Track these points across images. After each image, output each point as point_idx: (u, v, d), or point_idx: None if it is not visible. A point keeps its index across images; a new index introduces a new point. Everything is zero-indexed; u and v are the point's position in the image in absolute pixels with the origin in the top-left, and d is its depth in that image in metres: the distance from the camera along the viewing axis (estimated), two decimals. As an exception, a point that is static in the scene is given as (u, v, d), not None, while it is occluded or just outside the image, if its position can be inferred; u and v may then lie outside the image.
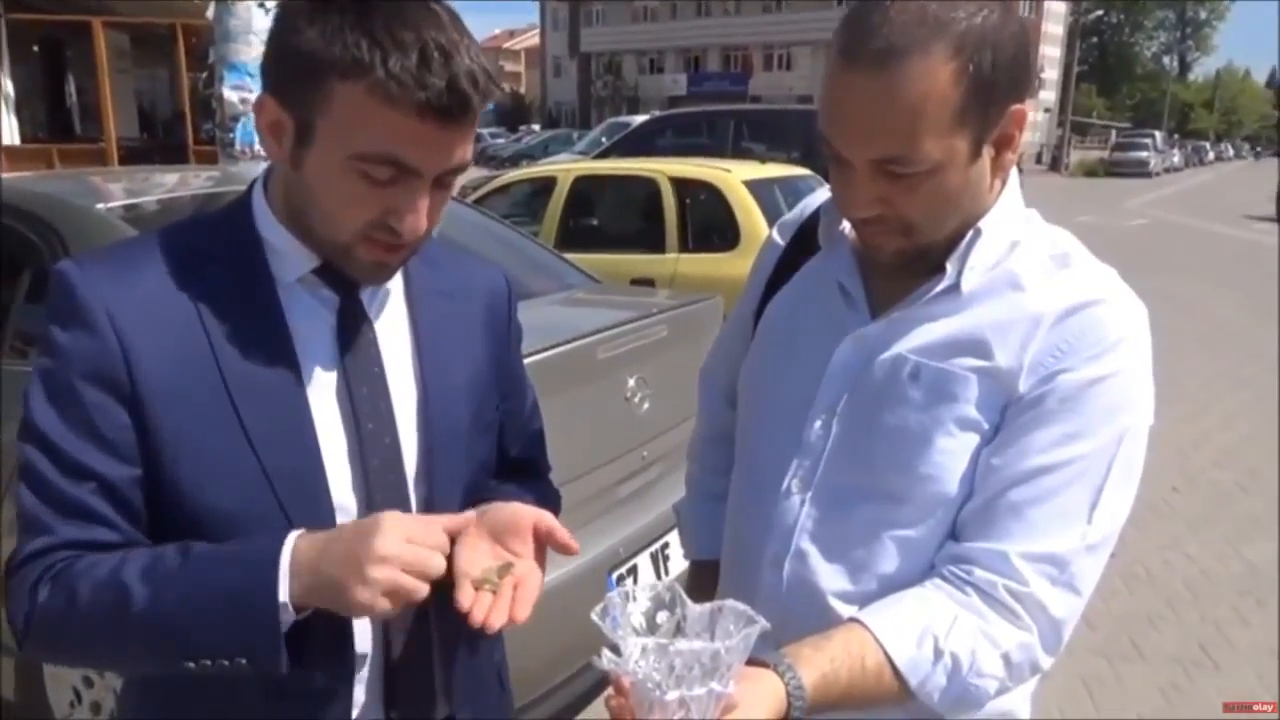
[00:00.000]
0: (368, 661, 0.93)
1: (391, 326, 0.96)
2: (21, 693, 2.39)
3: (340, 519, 0.89)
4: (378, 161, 0.80)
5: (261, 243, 0.90)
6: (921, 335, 0.95)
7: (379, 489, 0.91)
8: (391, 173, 0.81)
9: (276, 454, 0.86)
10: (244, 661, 0.79)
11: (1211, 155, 58.72)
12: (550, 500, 1.16)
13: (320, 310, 0.91)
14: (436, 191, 0.86)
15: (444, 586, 0.83)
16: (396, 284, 0.98)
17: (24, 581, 0.83)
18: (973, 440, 0.93)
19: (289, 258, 0.90)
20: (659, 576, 2.46)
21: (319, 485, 0.88)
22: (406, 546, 0.77)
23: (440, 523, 0.83)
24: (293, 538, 0.80)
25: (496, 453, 1.08)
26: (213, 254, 0.89)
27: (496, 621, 0.82)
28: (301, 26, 0.80)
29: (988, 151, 0.90)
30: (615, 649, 0.71)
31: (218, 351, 0.85)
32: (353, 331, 0.92)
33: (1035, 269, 0.95)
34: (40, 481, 0.83)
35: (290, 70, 0.82)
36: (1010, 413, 0.92)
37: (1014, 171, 0.98)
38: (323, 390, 0.90)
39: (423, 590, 0.78)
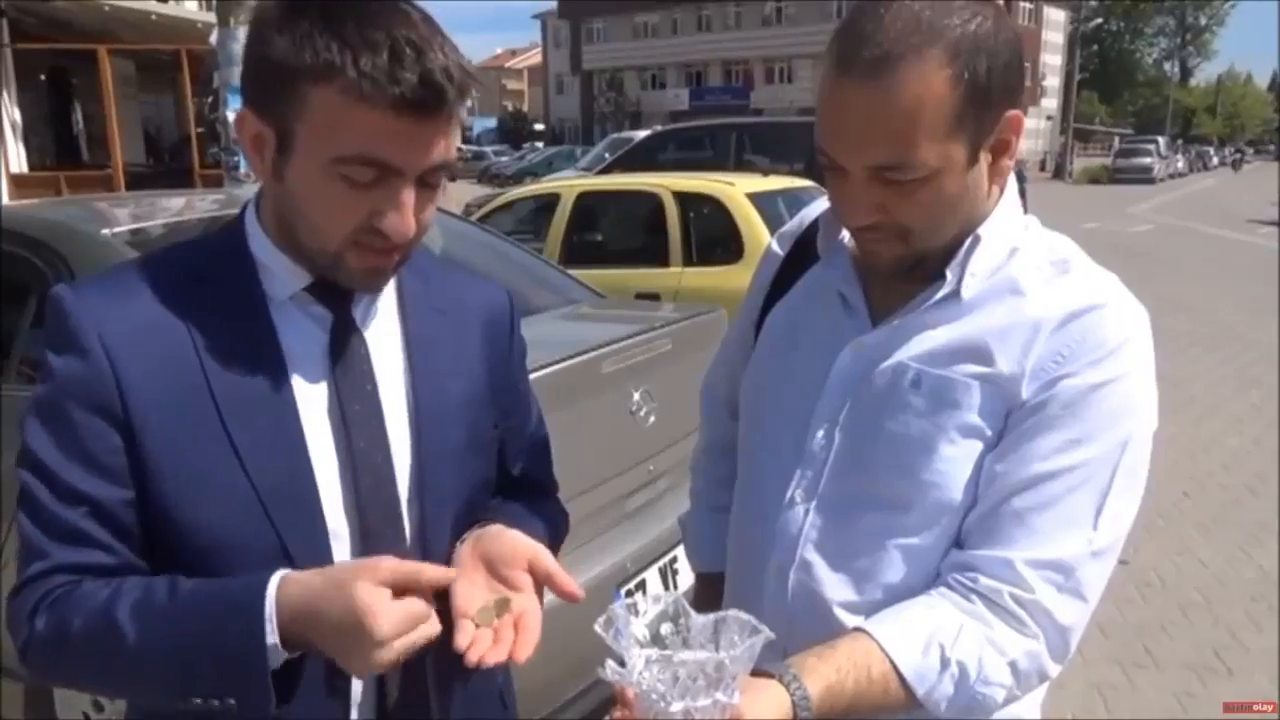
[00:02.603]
0: (361, 683, 0.93)
1: (384, 343, 0.96)
2: (31, 716, 2.39)
3: (333, 541, 0.89)
4: (358, 163, 0.80)
5: (254, 262, 0.91)
6: (922, 343, 0.95)
7: (371, 508, 0.90)
8: (373, 174, 0.81)
9: (267, 473, 0.85)
10: (233, 702, 0.79)
11: (1215, 160, 58.37)
12: (557, 519, 1.15)
13: (313, 328, 0.92)
14: (422, 192, 0.85)
15: (440, 611, 0.83)
16: (389, 300, 0.98)
17: (23, 606, 0.84)
18: (976, 447, 0.92)
19: (280, 276, 0.91)
20: (668, 591, 2.45)
21: (312, 504, 0.88)
22: (398, 622, 0.76)
23: (422, 578, 0.81)
24: (274, 584, 0.79)
25: (499, 471, 1.07)
26: (205, 275, 0.90)
27: (493, 660, 0.83)
28: (272, 36, 0.81)
29: (984, 157, 0.91)
30: (620, 660, 0.71)
31: (209, 371, 0.86)
32: (345, 348, 0.92)
33: (1035, 275, 0.95)
34: (36, 506, 0.84)
35: (265, 80, 0.82)
36: (1013, 419, 0.92)
37: (1011, 178, 0.98)
38: (315, 408, 0.90)
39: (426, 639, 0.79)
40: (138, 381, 0.84)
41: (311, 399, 0.90)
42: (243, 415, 0.85)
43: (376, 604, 0.75)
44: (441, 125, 0.82)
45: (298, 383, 0.89)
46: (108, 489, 0.84)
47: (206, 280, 0.89)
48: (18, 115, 10.45)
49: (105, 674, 0.84)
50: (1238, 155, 57.45)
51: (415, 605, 0.77)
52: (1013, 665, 0.88)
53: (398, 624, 0.76)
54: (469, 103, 0.87)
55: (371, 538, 0.90)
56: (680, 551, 2.45)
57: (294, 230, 0.88)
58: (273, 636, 0.77)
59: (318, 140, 0.81)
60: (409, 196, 0.83)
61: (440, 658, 0.95)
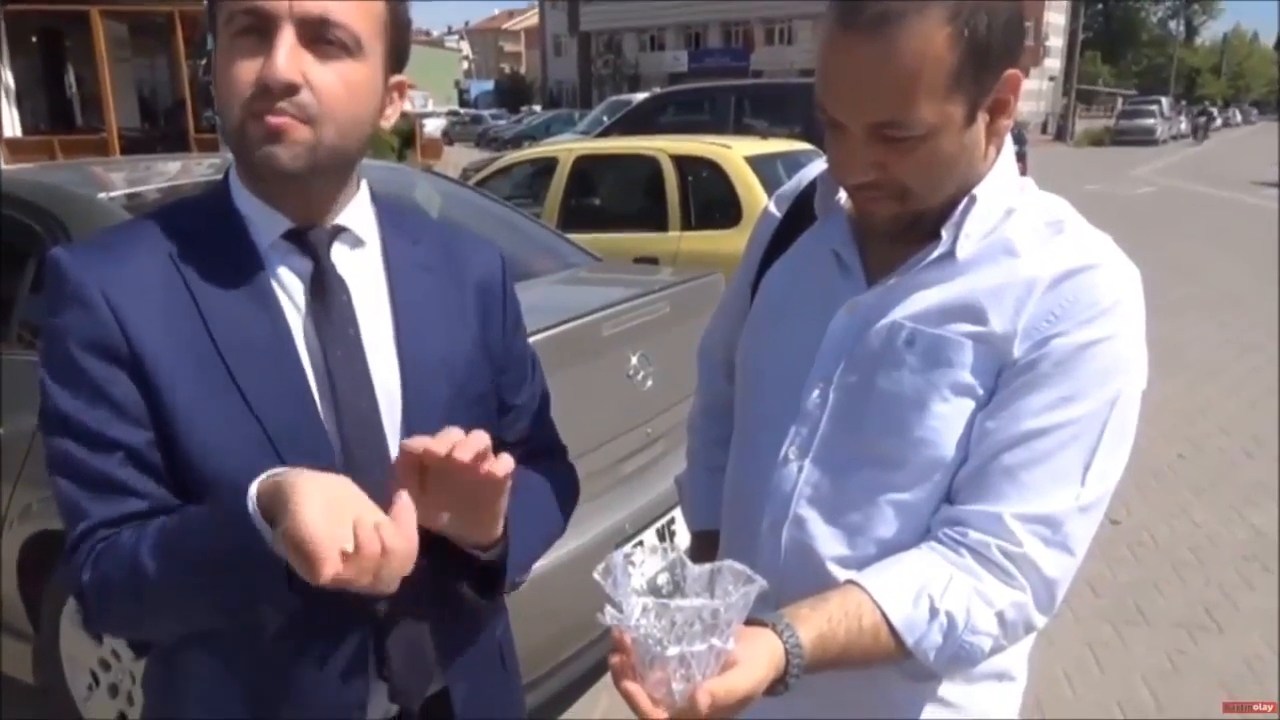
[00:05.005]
0: (365, 630, 0.95)
1: (371, 301, 0.97)
2: (41, 676, 2.44)
3: None
4: (237, 13, 0.84)
5: (240, 217, 0.93)
6: (917, 302, 0.96)
7: (358, 450, 0.92)
8: (247, 21, 0.84)
9: (276, 417, 0.88)
10: (262, 607, 0.81)
11: (1219, 121, 57.46)
12: (567, 481, 1.17)
13: (293, 277, 0.94)
14: (315, 47, 0.85)
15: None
16: (374, 257, 1.00)
17: (75, 569, 0.87)
18: (968, 405, 0.94)
19: (261, 225, 0.93)
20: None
21: (320, 444, 0.90)
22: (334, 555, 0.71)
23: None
24: (253, 494, 0.77)
25: (497, 429, 1.08)
26: (195, 231, 0.92)
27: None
28: None
29: (982, 117, 0.91)
30: (618, 607, 0.73)
31: (209, 321, 0.88)
32: (326, 295, 0.94)
33: (1030, 235, 0.96)
34: (70, 463, 0.86)
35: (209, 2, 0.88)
36: (1005, 377, 0.93)
37: (1008, 139, 0.98)
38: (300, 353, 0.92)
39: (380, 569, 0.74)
40: (142, 332, 0.86)
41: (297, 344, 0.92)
42: (245, 362, 0.88)
43: (316, 532, 0.71)
44: None
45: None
46: (132, 431, 0.86)
47: (197, 236, 0.92)
48: (10, 79, 10.33)
49: (144, 613, 0.87)
50: (1202, 118, 44.38)
51: (358, 540, 0.72)
52: (1000, 616, 0.90)
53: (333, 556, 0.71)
54: None
55: (359, 478, 0.92)
56: (678, 513, 2.48)
57: (226, 135, 0.90)
58: (262, 525, 0.76)
59: (220, 15, 0.86)
60: (282, 40, 0.84)
61: (439, 617, 0.98)
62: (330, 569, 0.71)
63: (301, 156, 0.87)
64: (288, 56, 0.83)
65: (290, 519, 0.72)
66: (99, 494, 0.86)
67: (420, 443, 0.80)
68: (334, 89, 0.86)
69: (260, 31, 0.84)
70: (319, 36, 0.85)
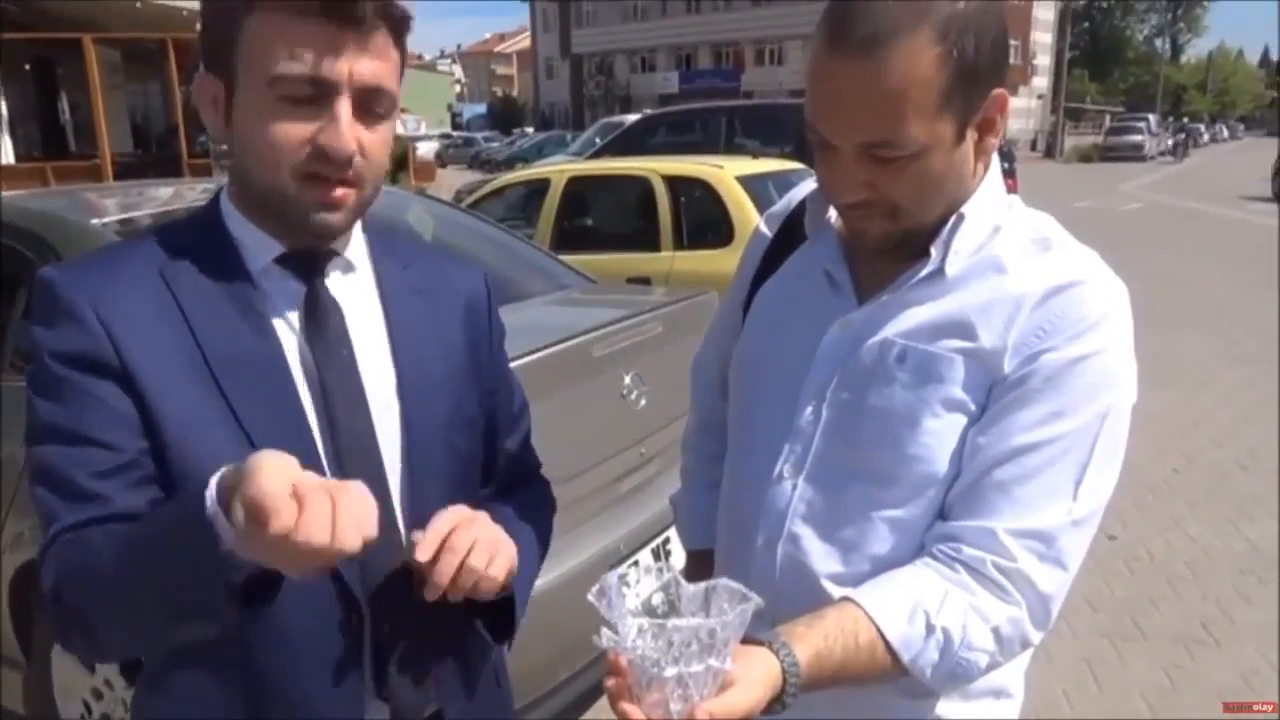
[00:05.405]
0: (361, 651, 0.95)
1: (365, 323, 0.98)
2: (32, 706, 2.41)
3: None
4: (291, 80, 0.84)
5: (231, 238, 0.94)
6: (907, 319, 0.97)
7: (351, 464, 0.92)
8: (306, 89, 0.84)
9: (266, 432, 0.87)
10: (210, 620, 0.76)
11: (1206, 137, 57.87)
12: (539, 498, 1.19)
13: (286, 300, 0.94)
14: (364, 117, 0.87)
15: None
16: (368, 283, 1.01)
17: (40, 575, 0.84)
18: (960, 421, 0.94)
19: (254, 249, 0.94)
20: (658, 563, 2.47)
21: (311, 460, 0.88)
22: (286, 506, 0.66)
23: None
24: (214, 482, 0.72)
25: (489, 447, 1.10)
26: (185, 252, 0.92)
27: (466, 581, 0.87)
28: None
29: (971, 136, 0.92)
30: (613, 629, 0.73)
31: (199, 338, 0.88)
32: (319, 318, 0.94)
33: (1017, 252, 0.97)
34: (49, 471, 0.84)
35: (211, 34, 0.88)
36: (995, 393, 0.93)
37: (995, 157, 1.00)
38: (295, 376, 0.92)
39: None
40: (135, 347, 0.86)
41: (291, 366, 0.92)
42: (238, 379, 0.88)
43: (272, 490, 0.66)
44: (365, 36, 0.85)
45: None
46: (128, 441, 0.85)
47: (187, 256, 0.92)
48: (3, 106, 10.37)
49: (95, 610, 0.81)
50: (1182, 135, 41.16)
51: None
52: (995, 631, 0.90)
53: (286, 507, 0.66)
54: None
55: None
56: (672, 532, 2.48)
57: (253, 185, 0.90)
58: (228, 542, 0.71)
59: (255, 68, 0.85)
60: (343, 110, 0.85)
61: (436, 638, 0.98)
62: (284, 518, 0.65)
63: (349, 219, 0.93)
64: (350, 127, 0.86)
65: (248, 482, 0.67)
66: (75, 500, 0.83)
67: (432, 539, 0.87)
68: (377, 152, 0.90)
69: (315, 99, 0.85)
70: (369, 107, 0.88)
